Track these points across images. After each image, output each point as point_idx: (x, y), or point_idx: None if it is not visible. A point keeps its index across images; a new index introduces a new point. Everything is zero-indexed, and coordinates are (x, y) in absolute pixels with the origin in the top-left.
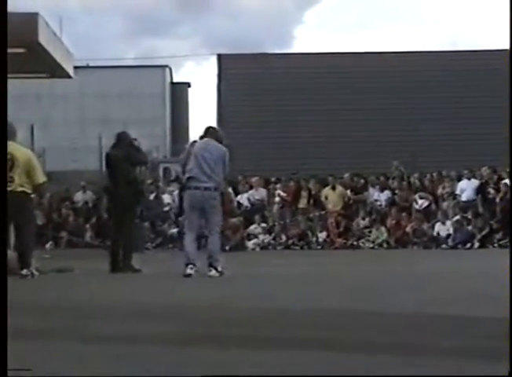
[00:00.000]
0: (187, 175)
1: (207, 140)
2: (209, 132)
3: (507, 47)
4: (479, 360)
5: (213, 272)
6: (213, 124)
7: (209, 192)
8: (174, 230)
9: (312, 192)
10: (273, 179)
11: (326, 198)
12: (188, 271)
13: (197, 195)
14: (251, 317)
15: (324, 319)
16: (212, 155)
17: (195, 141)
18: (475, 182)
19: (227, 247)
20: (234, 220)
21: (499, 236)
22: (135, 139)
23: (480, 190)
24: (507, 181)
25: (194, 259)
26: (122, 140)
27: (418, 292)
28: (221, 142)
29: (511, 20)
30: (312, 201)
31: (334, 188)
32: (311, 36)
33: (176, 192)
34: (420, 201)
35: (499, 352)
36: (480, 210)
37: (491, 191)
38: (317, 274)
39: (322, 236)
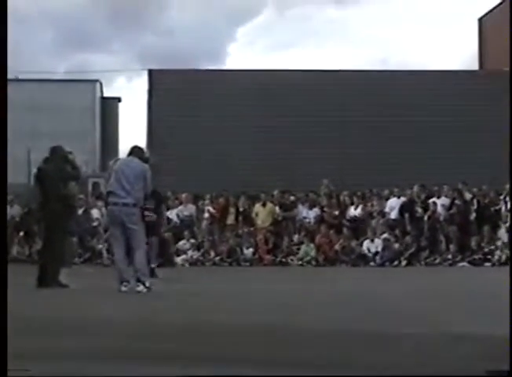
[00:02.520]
0: (107, 189)
1: (130, 158)
2: (134, 151)
3: (437, 68)
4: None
5: (141, 287)
6: (144, 139)
7: (127, 207)
8: (102, 246)
9: (241, 209)
10: (205, 195)
11: (256, 214)
12: (123, 288)
13: (115, 210)
14: (177, 332)
15: (246, 335)
16: (132, 171)
17: (118, 159)
18: (404, 200)
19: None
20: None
21: (425, 254)
22: (70, 152)
23: (408, 208)
24: (435, 199)
25: (127, 276)
26: (56, 154)
27: (335, 309)
28: (146, 162)
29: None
30: (240, 217)
31: (264, 205)
32: (243, 53)
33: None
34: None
35: (416, 366)
36: (408, 228)
37: (419, 209)
38: (242, 291)
39: (250, 252)
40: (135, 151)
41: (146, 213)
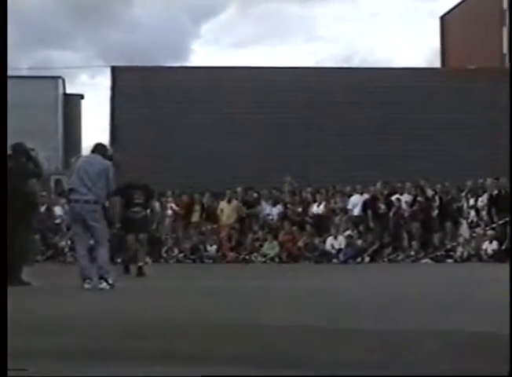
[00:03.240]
0: (68, 187)
1: (93, 155)
2: (97, 148)
3: (400, 65)
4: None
5: (104, 284)
6: (107, 136)
7: (88, 204)
8: (64, 243)
9: (205, 206)
10: (169, 192)
11: (221, 211)
12: (86, 286)
13: (77, 207)
14: (140, 330)
15: (208, 332)
16: (94, 169)
17: (81, 156)
18: (366, 197)
19: (118, 260)
20: None
21: (388, 250)
22: (32, 149)
23: (371, 205)
24: (399, 196)
25: (89, 273)
26: (17, 151)
27: (297, 306)
28: (109, 159)
29: (510, 26)
30: (204, 215)
31: (229, 202)
32: (207, 50)
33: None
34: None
35: (380, 364)
36: (371, 224)
37: (382, 206)
38: (204, 288)
39: (213, 249)
40: (98, 148)
41: (135, 209)
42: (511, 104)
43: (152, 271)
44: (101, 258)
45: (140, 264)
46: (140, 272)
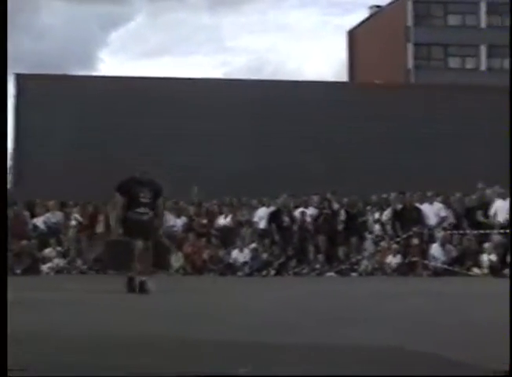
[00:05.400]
0: None
1: None
2: None
3: (309, 78)
4: None
5: None
6: (10, 145)
7: None
8: None
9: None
10: (70, 202)
11: None
12: None
13: None
14: (36, 343)
15: (105, 346)
16: None
17: None
18: (272, 210)
19: (18, 271)
20: (26, 242)
21: (293, 263)
22: None
23: (276, 218)
24: (304, 209)
25: None
26: None
27: (197, 320)
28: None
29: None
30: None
31: None
32: (115, 59)
33: None
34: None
35: None
36: (276, 237)
37: (286, 219)
38: (105, 300)
39: None
40: None
41: (141, 209)
42: (511, 105)
43: (56, 282)
44: None
45: (144, 278)
46: (143, 289)
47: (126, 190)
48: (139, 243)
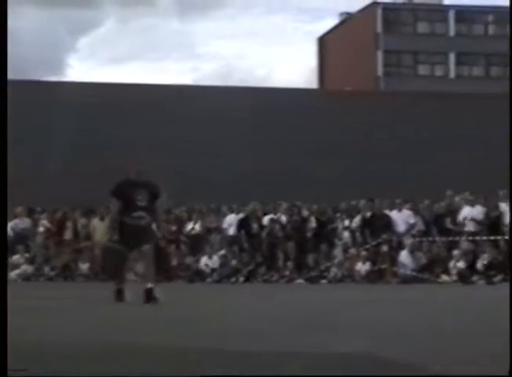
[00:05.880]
0: None
1: None
2: None
3: (279, 85)
4: None
5: None
6: None
7: None
8: None
9: (78, 224)
10: (39, 209)
11: (94, 229)
12: None
13: None
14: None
15: (76, 353)
16: None
17: None
18: (241, 217)
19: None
20: None
21: (262, 270)
22: None
23: (244, 225)
24: (273, 216)
25: None
26: None
27: (171, 327)
28: None
29: (511, 30)
30: (77, 232)
31: (102, 219)
32: (84, 64)
33: None
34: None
35: None
36: (245, 244)
37: (255, 226)
38: (72, 308)
39: (85, 267)
40: None
41: (138, 213)
42: (511, 107)
43: (23, 288)
44: None
45: (150, 285)
46: (150, 297)
47: (121, 193)
48: (135, 252)
